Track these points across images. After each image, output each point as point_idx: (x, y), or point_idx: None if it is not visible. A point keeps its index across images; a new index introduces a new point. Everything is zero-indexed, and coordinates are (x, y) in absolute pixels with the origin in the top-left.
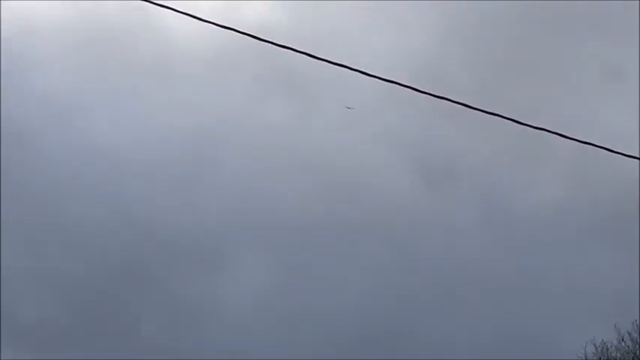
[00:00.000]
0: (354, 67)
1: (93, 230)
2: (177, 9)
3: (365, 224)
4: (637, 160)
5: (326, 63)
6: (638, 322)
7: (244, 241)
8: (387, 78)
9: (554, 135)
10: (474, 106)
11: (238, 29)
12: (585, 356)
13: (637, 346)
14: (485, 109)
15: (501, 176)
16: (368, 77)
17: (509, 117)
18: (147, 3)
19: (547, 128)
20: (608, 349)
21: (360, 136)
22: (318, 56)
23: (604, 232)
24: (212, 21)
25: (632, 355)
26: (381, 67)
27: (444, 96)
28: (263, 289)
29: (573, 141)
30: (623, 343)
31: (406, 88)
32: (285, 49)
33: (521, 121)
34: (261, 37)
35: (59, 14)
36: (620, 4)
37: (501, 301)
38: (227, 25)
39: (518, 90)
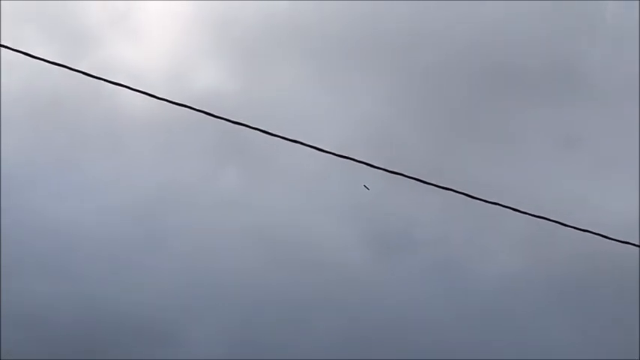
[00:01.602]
0: (308, 144)
1: (38, 306)
2: (130, 86)
3: (318, 297)
4: (590, 232)
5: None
6: None
7: (195, 316)
8: (341, 154)
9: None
10: (427, 180)
11: (192, 106)
12: None
13: None
14: (439, 184)
15: (456, 248)
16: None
17: (462, 192)
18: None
19: (500, 202)
20: None
21: (312, 208)
22: (273, 132)
23: (561, 304)
24: (166, 99)
25: None
26: (334, 133)
27: (398, 171)
28: None
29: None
30: None
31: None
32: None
33: (475, 192)
34: (216, 114)
35: (4, 86)
36: (574, 68)
37: None
38: (181, 103)
39: (473, 157)
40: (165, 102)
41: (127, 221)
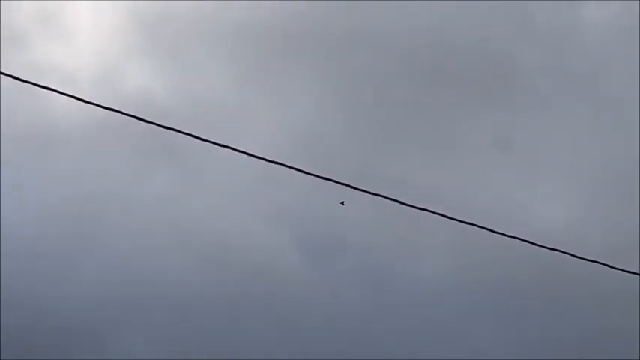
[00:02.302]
0: (237, 149)
1: None
2: (59, 90)
3: (247, 300)
4: (518, 237)
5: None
6: None
7: (123, 318)
8: (271, 159)
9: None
10: (358, 184)
11: (121, 110)
12: None
13: None
14: (370, 187)
15: (386, 251)
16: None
17: (391, 197)
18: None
19: (431, 207)
20: None
21: (242, 212)
22: (203, 137)
23: (490, 309)
24: (95, 102)
25: None
26: (265, 136)
27: (329, 176)
28: None
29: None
30: None
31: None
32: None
33: (407, 195)
34: (145, 118)
35: None
36: (509, 70)
37: None
38: (110, 107)
39: (406, 160)
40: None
41: (54, 224)
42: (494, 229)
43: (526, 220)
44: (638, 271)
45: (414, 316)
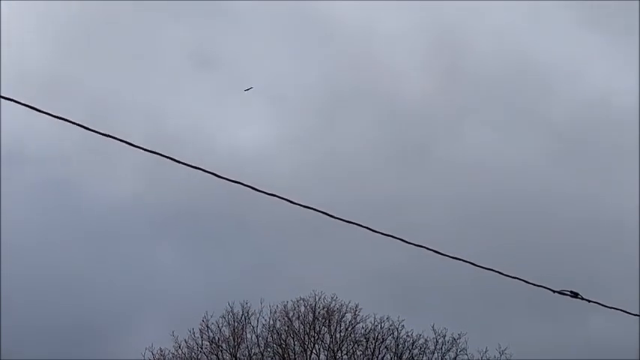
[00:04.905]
0: None
1: None
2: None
3: None
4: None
5: None
6: (194, 330)
7: None
8: None
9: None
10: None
11: None
12: None
13: (192, 354)
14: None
15: (72, 167)
16: None
17: (77, 123)
18: None
19: (114, 136)
20: (165, 357)
21: None
22: None
23: (169, 230)
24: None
25: None
26: None
27: (9, 97)
28: None
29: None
30: (180, 351)
31: None
32: None
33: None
34: None
35: None
36: None
37: (75, 297)
38: None
39: (104, 73)
40: None
41: None
42: (178, 159)
43: (220, 141)
44: (319, 208)
45: (96, 233)
